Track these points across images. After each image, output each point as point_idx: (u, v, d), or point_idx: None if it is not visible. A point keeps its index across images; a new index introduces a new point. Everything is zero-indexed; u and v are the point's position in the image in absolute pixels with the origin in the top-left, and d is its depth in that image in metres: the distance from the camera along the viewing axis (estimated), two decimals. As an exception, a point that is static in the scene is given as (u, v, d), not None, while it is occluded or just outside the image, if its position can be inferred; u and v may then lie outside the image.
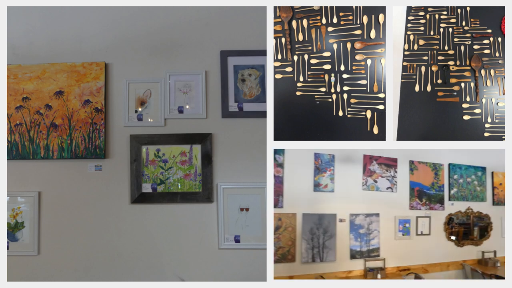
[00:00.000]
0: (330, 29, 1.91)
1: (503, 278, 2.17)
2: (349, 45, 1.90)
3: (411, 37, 1.93)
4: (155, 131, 2.36)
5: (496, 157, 2.88)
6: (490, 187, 2.86)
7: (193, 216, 2.32)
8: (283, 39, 1.92)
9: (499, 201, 2.86)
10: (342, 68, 1.90)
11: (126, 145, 2.35)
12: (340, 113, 1.90)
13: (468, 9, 1.93)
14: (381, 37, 1.88)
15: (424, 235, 2.49)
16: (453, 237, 2.58)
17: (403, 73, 1.92)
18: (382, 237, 2.33)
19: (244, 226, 2.30)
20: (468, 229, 2.67)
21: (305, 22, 1.92)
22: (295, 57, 1.92)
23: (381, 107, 1.88)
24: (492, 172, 2.87)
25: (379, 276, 2.18)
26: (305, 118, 1.90)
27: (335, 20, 1.91)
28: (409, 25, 1.94)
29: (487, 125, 1.89)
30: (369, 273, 2.19)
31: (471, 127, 1.89)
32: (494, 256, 2.68)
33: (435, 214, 2.56)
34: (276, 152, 2.10)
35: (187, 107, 2.37)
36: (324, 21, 1.91)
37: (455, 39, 1.93)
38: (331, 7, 1.91)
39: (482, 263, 2.61)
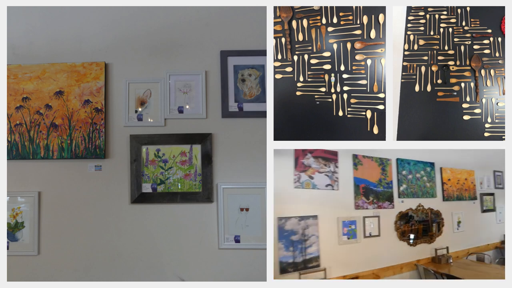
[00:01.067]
0: (330, 29, 1.91)
1: (455, 276, 2.14)
2: (349, 45, 1.90)
3: (411, 37, 1.93)
4: (155, 131, 2.36)
5: (443, 153, 2.82)
6: (440, 182, 2.79)
7: (193, 216, 2.32)
8: (283, 39, 1.92)
9: (449, 197, 2.82)
10: (342, 68, 1.90)
11: (126, 145, 2.35)
12: (340, 113, 1.90)
13: (468, 9, 1.93)
14: (381, 37, 1.88)
15: (373, 237, 2.24)
16: (412, 235, 2.47)
17: (403, 73, 1.92)
18: (322, 243, 1.98)
19: (244, 226, 2.30)
20: (427, 226, 2.60)
21: (305, 22, 1.92)
22: (295, 57, 1.92)
23: (381, 107, 1.88)
24: (441, 168, 2.81)
25: None
26: (305, 118, 1.90)
27: (335, 20, 1.91)
28: (409, 25, 1.94)
29: (487, 125, 1.89)
30: None
31: (471, 127, 1.89)
32: (447, 253, 2.64)
33: (384, 213, 2.32)
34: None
35: (187, 107, 2.37)
36: (324, 21, 1.91)
37: (455, 39, 1.93)
38: (331, 7, 1.91)
39: (435, 260, 2.56)
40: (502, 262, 2.74)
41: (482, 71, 1.91)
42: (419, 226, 2.54)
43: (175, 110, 2.37)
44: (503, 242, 3.42)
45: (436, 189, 2.76)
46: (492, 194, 3.37)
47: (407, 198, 2.53)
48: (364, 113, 1.89)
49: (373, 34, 1.88)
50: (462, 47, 1.92)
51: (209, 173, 2.32)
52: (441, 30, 1.93)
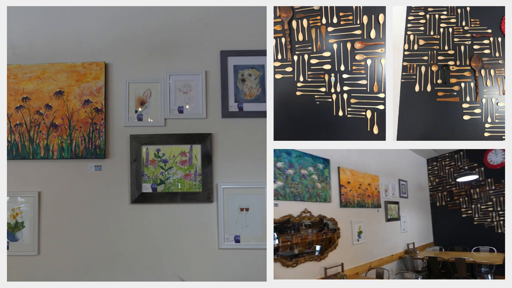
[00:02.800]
0: (330, 29, 1.91)
1: None
2: (349, 45, 1.90)
3: (411, 37, 1.93)
4: (155, 131, 2.36)
5: (341, 150, 2.28)
6: (337, 185, 2.26)
7: (193, 216, 2.32)
8: (283, 39, 1.92)
9: (347, 203, 2.28)
10: (342, 68, 1.90)
11: (126, 145, 2.35)
12: (340, 113, 1.90)
13: (468, 9, 1.93)
14: (381, 37, 1.88)
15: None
16: (296, 251, 1.97)
17: (403, 73, 1.92)
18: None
19: (244, 226, 2.30)
20: (319, 239, 2.01)
21: (305, 22, 1.92)
22: (295, 57, 1.92)
23: (381, 107, 1.88)
24: (338, 168, 2.29)
25: None
26: (305, 118, 1.90)
27: (335, 20, 1.91)
28: (409, 25, 1.94)
29: (487, 125, 1.89)
30: None
31: (471, 127, 1.89)
32: (341, 271, 2.10)
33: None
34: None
35: (187, 107, 2.37)
36: (324, 21, 1.91)
37: (455, 39, 1.93)
38: (331, 7, 1.91)
39: None
40: (401, 275, 2.35)
41: (482, 71, 1.91)
42: (304, 238, 1.93)
43: (175, 110, 2.37)
44: (406, 252, 3.18)
45: (331, 192, 2.20)
46: (397, 203, 3.04)
47: (285, 201, 1.99)
48: (364, 113, 1.89)
49: (373, 34, 1.88)
50: (462, 47, 1.92)
51: (209, 173, 2.32)
52: (441, 30, 1.94)
